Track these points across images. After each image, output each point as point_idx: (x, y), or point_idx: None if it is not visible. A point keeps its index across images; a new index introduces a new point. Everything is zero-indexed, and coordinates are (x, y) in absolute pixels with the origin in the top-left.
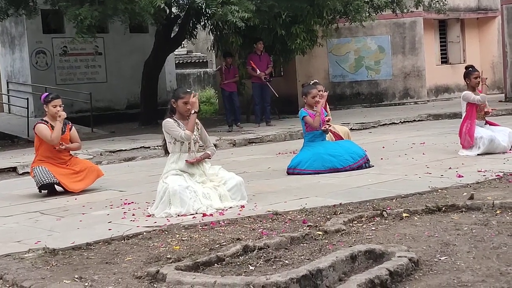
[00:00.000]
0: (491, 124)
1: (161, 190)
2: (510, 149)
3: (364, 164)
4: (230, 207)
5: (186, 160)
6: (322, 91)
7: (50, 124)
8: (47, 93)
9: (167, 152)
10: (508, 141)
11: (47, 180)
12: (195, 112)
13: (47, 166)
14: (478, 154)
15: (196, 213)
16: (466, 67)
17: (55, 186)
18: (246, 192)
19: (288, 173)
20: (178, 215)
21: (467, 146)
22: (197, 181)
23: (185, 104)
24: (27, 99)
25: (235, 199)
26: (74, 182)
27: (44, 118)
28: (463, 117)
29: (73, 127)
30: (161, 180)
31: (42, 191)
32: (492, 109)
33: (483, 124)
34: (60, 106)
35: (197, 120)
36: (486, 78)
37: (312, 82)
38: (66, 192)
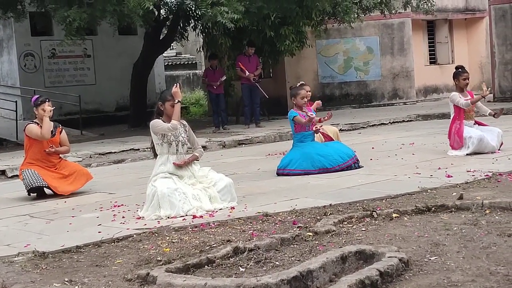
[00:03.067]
0: (480, 124)
1: (150, 193)
2: (499, 149)
3: (353, 164)
4: (220, 209)
5: (173, 163)
6: (309, 91)
7: (40, 126)
8: (38, 96)
9: (155, 155)
10: (496, 141)
11: (36, 184)
12: (178, 101)
13: (36, 169)
14: (467, 154)
15: (186, 215)
16: (456, 67)
17: (44, 189)
18: (236, 194)
19: (278, 174)
20: (168, 217)
21: (456, 147)
22: (186, 183)
23: (172, 106)
24: (16, 102)
25: (225, 200)
26: (63, 185)
27: (34, 120)
28: (451, 117)
29: (63, 130)
30: (149, 183)
31: (31, 194)
32: (501, 109)
33: (472, 124)
34: (50, 108)
35: (184, 122)
36: (488, 93)
37: (299, 84)
38: (55, 195)
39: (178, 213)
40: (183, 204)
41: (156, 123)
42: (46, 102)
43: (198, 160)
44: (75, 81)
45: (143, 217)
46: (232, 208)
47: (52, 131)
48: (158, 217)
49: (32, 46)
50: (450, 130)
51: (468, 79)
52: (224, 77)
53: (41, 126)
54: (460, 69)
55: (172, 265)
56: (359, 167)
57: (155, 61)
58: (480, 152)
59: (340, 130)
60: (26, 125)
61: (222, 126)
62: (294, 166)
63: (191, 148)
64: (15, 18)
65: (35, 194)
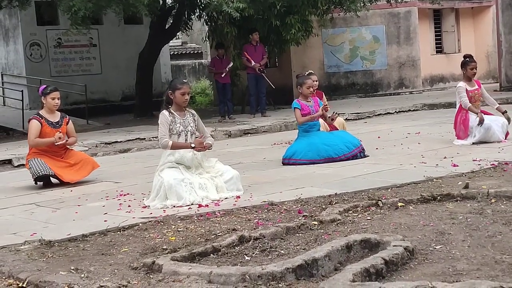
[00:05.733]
0: (485, 113)
1: (156, 184)
2: (505, 139)
3: (359, 153)
4: (226, 198)
5: (193, 148)
6: (316, 81)
7: (45, 119)
8: (45, 85)
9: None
10: (501, 131)
11: (43, 172)
12: (193, 147)
13: (43, 158)
14: (473, 143)
15: (192, 204)
16: (464, 56)
17: (51, 178)
18: (242, 183)
19: (284, 164)
20: (174, 206)
21: (462, 137)
22: (193, 173)
23: (183, 95)
24: (22, 91)
25: (231, 190)
26: (70, 173)
27: (40, 112)
28: (457, 107)
29: (70, 120)
30: (156, 173)
31: (38, 183)
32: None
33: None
34: (58, 99)
35: (193, 111)
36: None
37: (307, 73)
38: (61, 184)
39: (185, 203)
40: (189, 194)
41: (161, 124)
42: (55, 92)
43: (210, 149)
44: (81, 70)
45: (149, 206)
46: (238, 197)
47: (58, 122)
48: (164, 206)
49: (38, 36)
50: (456, 119)
51: (476, 69)
52: (231, 64)
53: (45, 120)
54: (468, 59)
55: (178, 253)
56: (365, 156)
57: (161, 50)
58: (486, 141)
59: (346, 119)
60: (31, 118)
61: (228, 116)
62: (300, 156)
63: (198, 137)
64: (20, 7)
65: (42, 183)
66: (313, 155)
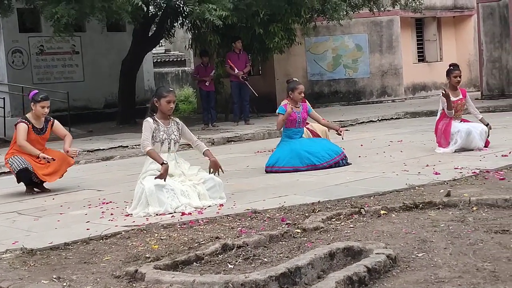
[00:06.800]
0: (465, 121)
1: (138, 191)
2: (485, 147)
3: (341, 160)
4: (209, 206)
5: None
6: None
7: (32, 124)
8: (36, 91)
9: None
10: (480, 138)
11: (23, 165)
12: (164, 164)
13: (22, 155)
14: (455, 151)
15: (175, 212)
16: (449, 65)
17: (32, 181)
18: (225, 191)
19: (267, 171)
20: (157, 214)
21: (443, 145)
22: (175, 180)
23: (168, 103)
24: (3, 98)
25: (214, 199)
26: (48, 173)
27: (27, 115)
28: (439, 114)
29: (55, 121)
30: (139, 181)
31: (20, 182)
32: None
33: (458, 122)
34: (48, 108)
35: (177, 120)
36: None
37: (291, 80)
38: (43, 191)
39: (167, 209)
40: (172, 201)
41: (144, 130)
42: (46, 101)
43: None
44: (63, 77)
45: (132, 214)
46: (221, 205)
47: (43, 128)
48: (147, 214)
49: (20, 43)
50: (436, 126)
51: (460, 77)
52: (214, 71)
53: (32, 126)
54: (452, 67)
55: (161, 262)
56: (347, 163)
57: (144, 58)
58: (466, 149)
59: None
60: (18, 122)
61: (211, 123)
62: (283, 163)
63: (189, 144)
64: (2, 14)
65: (24, 185)
66: (296, 162)
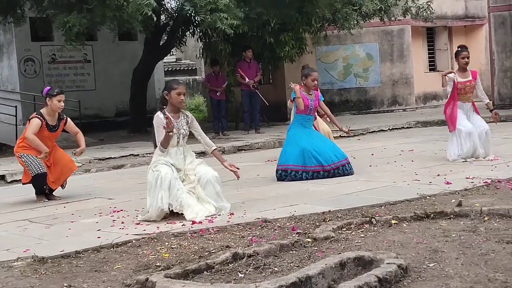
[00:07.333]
0: (476, 111)
1: (152, 179)
2: (494, 157)
3: (347, 164)
4: (213, 215)
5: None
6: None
7: (46, 121)
8: (50, 87)
9: (155, 146)
10: (481, 144)
11: (41, 170)
12: (169, 132)
13: (32, 153)
14: (463, 159)
15: (180, 209)
16: (458, 46)
17: (43, 190)
18: (236, 200)
19: (277, 170)
20: (169, 208)
21: (451, 129)
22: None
23: (179, 95)
24: (16, 107)
25: (210, 196)
26: (53, 180)
27: (41, 111)
28: (448, 96)
29: (68, 119)
30: (149, 170)
31: (27, 184)
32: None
33: (469, 107)
34: (63, 102)
35: (188, 113)
36: (496, 115)
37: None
38: (54, 200)
39: (173, 199)
40: (181, 193)
41: (156, 126)
42: (61, 94)
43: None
44: (75, 86)
45: (142, 222)
46: (231, 214)
47: (55, 126)
48: (159, 208)
49: (32, 51)
50: (445, 109)
51: (468, 58)
52: (226, 83)
53: (46, 122)
54: (459, 48)
55: (171, 270)
56: (351, 172)
57: (155, 66)
58: (474, 156)
59: (340, 136)
60: (34, 116)
61: (222, 132)
62: (292, 162)
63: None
64: (15, 23)
65: (35, 192)
66: (305, 161)
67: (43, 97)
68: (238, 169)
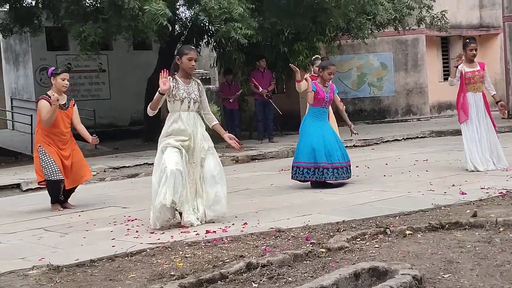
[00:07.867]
0: (493, 123)
1: (158, 168)
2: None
3: (348, 167)
4: (212, 221)
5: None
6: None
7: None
8: (54, 67)
9: (167, 113)
10: (484, 159)
11: (58, 176)
12: (160, 93)
13: (52, 154)
14: (478, 170)
15: (181, 208)
16: (466, 38)
17: (59, 198)
18: (249, 209)
19: (293, 166)
20: (175, 207)
21: (462, 120)
22: (188, 160)
23: (190, 60)
24: (31, 115)
25: (208, 194)
26: (68, 180)
27: (48, 92)
28: (450, 84)
29: (75, 104)
30: (159, 148)
31: (42, 182)
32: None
33: (479, 98)
34: (68, 80)
35: (199, 81)
36: (502, 107)
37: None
38: (69, 208)
39: (177, 195)
40: (183, 189)
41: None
42: (65, 72)
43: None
44: (90, 95)
45: (154, 228)
46: (245, 223)
47: (65, 104)
48: (161, 204)
49: (48, 61)
50: (457, 101)
51: (475, 50)
52: (240, 91)
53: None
54: (467, 40)
55: (185, 280)
56: (350, 174)
57: None
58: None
59: (354, 146)
60: (41, 98)
61: None
62: (305, 159)
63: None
64: (32, 33)
65: (50, 200)
66: (316, 158)
67: (49, 78)
68: (239, 142)
